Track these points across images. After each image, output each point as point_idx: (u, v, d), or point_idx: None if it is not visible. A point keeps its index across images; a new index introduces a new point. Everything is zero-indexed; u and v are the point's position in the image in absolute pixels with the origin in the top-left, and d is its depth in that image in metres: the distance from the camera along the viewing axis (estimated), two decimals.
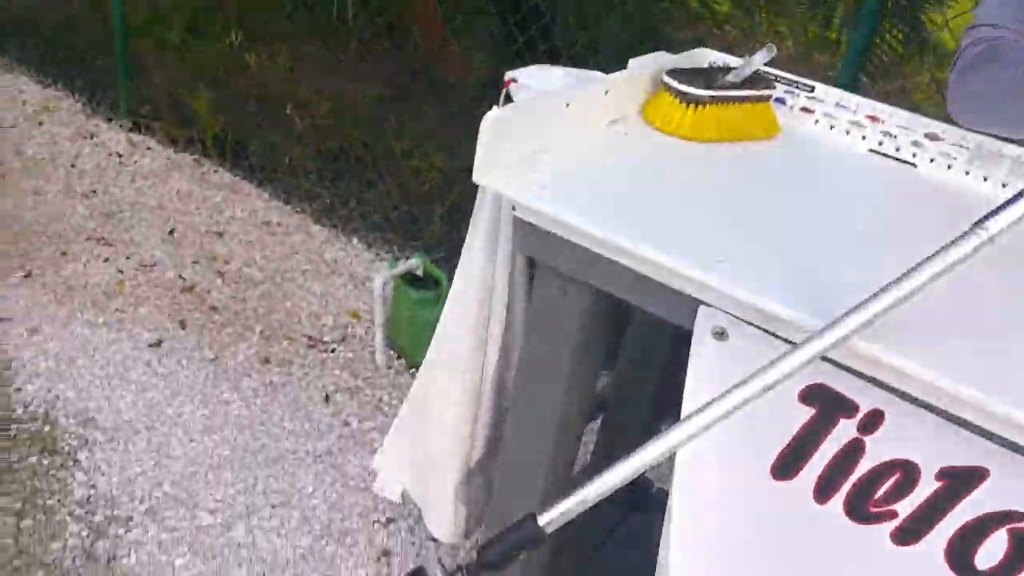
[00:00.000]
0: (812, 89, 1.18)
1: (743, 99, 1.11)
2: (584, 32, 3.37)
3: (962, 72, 1.18)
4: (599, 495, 0.67)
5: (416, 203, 3.10)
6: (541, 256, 0.92)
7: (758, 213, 0.92)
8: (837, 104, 1.16)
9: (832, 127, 1.16)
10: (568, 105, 1.00)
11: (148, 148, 3.45)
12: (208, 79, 3.90)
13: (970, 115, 1.17)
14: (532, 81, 1.06)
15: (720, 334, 0.74)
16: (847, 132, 1.15)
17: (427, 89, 4.07)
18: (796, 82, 1.19)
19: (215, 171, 3.32)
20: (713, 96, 1.08)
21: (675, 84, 1.09)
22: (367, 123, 3.62)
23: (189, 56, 4.16)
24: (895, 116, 1.12)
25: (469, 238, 1.20)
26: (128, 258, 2.73)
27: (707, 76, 1.12)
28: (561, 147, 0.97)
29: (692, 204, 0.91)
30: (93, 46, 4.10)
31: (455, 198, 3.04)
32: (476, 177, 0.90)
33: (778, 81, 1.19)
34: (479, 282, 1.18)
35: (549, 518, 0.68)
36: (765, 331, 0.72)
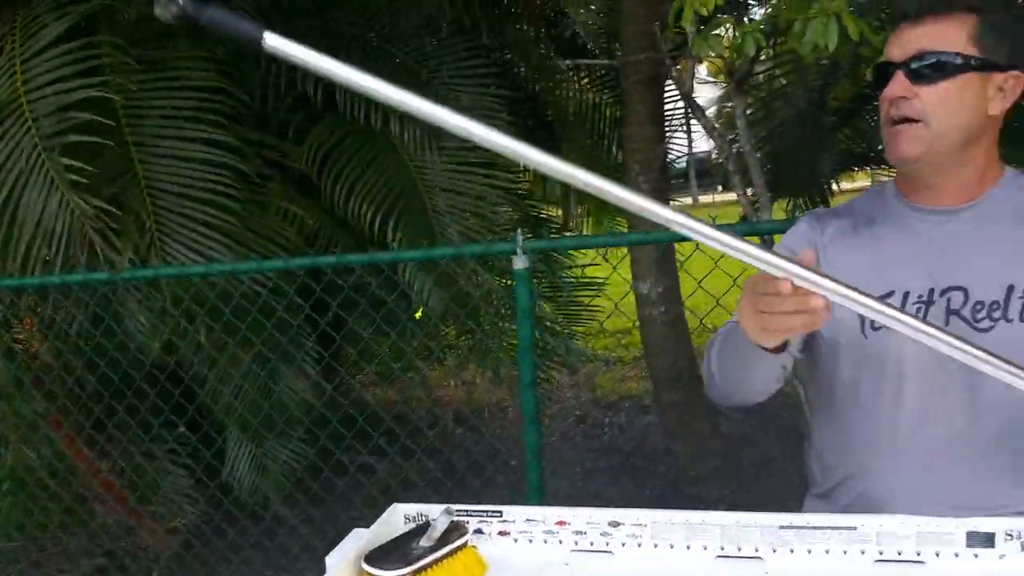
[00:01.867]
0: (500, 514, 1.25)
1: (444, 556, 1.14)
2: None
3: (707, 353, 1.41)
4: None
5: None
6: None
7: None
8: (527, 520, 1.24)
9: (531, 541, 1.23)
10: None
11: None
12: None
13: (715, 394, 1.41)
14: None
15: None
16: (544, 542, 1.23)
17: None
18: (485, 511, 1.26)
19: None
20: (415, 569, 1.11)
21: (376, 573, 1.10)
22: None
23: None
24: (578, 515, 1.22)
25: None
26: None
27: (405, 546, 1.15)
28: None
29: None
30: None
31: None
32: None
33: (470, 516, 1.25)
34: None
35: (275, 43, 0.78)
36: None
